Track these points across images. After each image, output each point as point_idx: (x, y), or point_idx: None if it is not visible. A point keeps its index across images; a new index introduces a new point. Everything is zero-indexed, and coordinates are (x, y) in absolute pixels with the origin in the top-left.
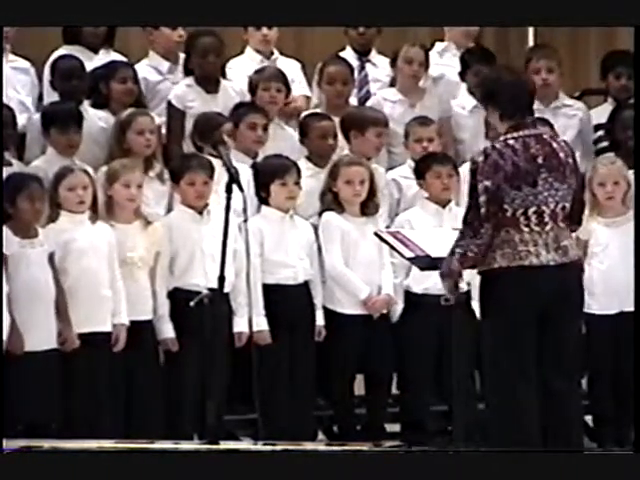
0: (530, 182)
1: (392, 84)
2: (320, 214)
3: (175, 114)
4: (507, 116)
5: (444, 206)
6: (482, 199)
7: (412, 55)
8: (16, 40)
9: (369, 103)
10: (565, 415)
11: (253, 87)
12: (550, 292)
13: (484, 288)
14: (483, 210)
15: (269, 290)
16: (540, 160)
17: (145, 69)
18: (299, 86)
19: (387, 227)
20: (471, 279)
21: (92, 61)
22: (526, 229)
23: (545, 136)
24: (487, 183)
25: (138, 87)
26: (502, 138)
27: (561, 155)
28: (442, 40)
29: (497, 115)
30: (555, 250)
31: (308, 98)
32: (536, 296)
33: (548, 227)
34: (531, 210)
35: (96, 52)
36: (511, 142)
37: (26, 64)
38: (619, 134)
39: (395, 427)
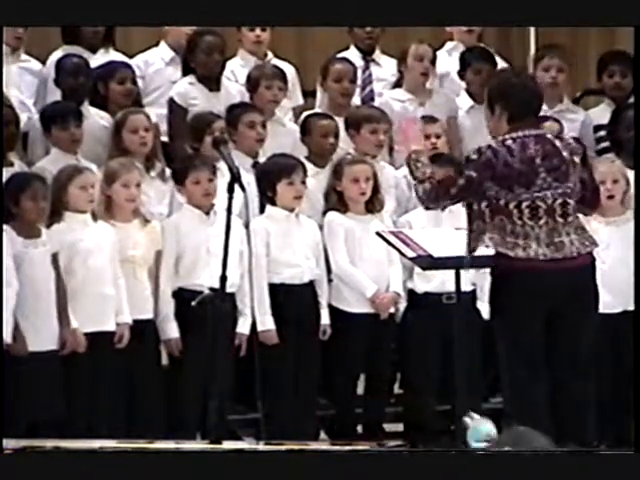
0: (523, 183)
1: (397, 84)
2: (324, 214)
3: (177, 112)
4: (517, 118)
5: (444, 208)
6: (460, 182)
7: (422, 52)
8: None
9: (376, 103)
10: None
11: (254, 84)
12: (557, 291)
13: (492, 288)
14: (454, 190)
15: (275, 290)
16: (539, 160)
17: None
18: (294, 91)
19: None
20: (477, 280)
21: (90, 61)
22: (519, 222)
23: (548, 135)
24: (472, 173)
25: (137, 87)
26: (501, 138)
27: (564, 153)
28: (452, 39)
29: (505, 116)
30: (547, 245)
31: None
32: (542, 296)
33: (542, 221)
34: (524, 204)
35: (94, 52)
36: (509, 142)
37: (37, 65)
38: (622, 135)
39: (398, 427)
